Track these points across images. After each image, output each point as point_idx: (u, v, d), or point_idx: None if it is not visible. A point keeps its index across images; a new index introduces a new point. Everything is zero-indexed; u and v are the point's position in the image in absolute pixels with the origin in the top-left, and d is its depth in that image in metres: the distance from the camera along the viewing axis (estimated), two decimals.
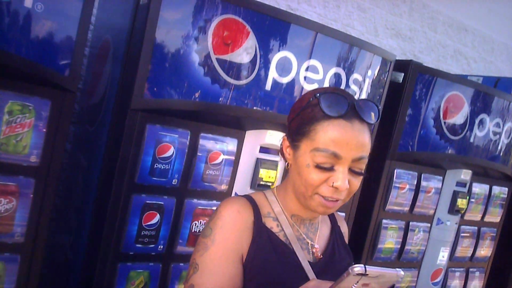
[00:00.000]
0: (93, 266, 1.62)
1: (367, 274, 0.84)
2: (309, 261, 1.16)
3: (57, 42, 1.39)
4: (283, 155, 1.21)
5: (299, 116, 1.13)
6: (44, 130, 1.44)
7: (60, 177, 1.52)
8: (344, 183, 1.06)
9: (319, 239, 1.24)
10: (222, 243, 1.10)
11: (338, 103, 1.08)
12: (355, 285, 0.86)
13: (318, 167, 1.07)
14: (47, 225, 1.51)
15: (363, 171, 1.12)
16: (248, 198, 1.19)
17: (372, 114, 1.11)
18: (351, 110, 1.08)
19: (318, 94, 1.10)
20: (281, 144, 1.22)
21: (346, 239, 1.36)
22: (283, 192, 1.22)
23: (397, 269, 0.89)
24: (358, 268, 0.83)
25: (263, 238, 1.13)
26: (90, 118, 1.93)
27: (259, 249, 1.12)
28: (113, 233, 1.60)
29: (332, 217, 1.35)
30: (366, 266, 0.84)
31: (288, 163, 1.19)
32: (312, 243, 1.21)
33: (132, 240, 1.63)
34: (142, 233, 1.65)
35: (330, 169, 1.07)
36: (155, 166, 1.62)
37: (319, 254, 1.21)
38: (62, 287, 1.88)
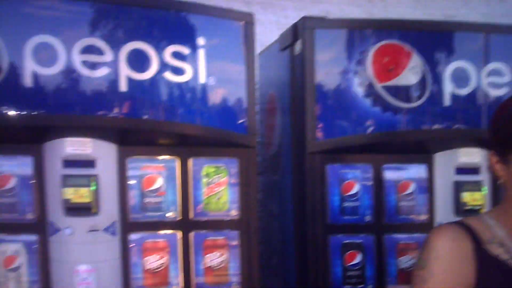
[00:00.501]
0: None
1: None
2: None
3: (231, 106, 1.62)
4: (493, 172, 1.05)
5: (507, 125, 1.00)
6: (237, 185, 1.63)
7: (258, 226, 1.66)
8: None
9: None
10: (441, 276, 0.99)
11: None
12: None
13: None
14: (259, 270, 1.64)
15: None
16: (462, 224, 1.05)
17: None
18: None
19: None
20: (489, 162, 1.07)
21: None
22: (503, 213, 1.05)
23: None
24: None
25: (489, 267, 0.99)
26: (272, 167, 2.09)
27: (486, 280, 0.98)
28: (319, 275, 1.62)
29: None
30: None
31: (503, 179, 1.02)
32: None
33: (339, 282, 1.63)
34: (348, 274, 1.63)
35: None
36: (344, 204, 1.64)
37: None
38: None
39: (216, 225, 1.63)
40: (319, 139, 1.62)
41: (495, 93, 1.69)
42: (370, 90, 1.63)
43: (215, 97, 1.59)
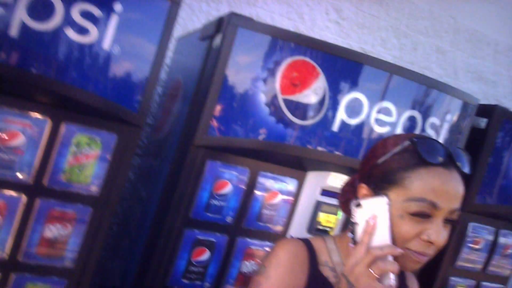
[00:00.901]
0: None
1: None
2: None
3: (131, 82, 1.42)
4: (345, 202, 1.12)
5: (386, 162, 1.02)
6: (108, 162, 1.46)
7: (116, 209, 1.53)
8: (440, 237, 0.95)
9: None
10: (276, 283, 1.03)
11: (437, 150, 0.99)
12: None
13: (413, 217, 0.96)
14: (98, 254, 1.51)
15: (454, 223, 1.01)
16: (306, 242, 1.11)
17: (469, 165, 1.02)
18: (448, 158, 0.99)
19: (415, 139, 1.00)
20: (344, 190, 1.13)
21: None
22: (345, 241, 1.12)
23: None
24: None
25: (317, 286, 1.05)
26: (155, 152, 1.95)
27: None
28: (162, 265, 1.57)
29: (400, 274, 1.21)
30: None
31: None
32: None
33: (179, 275, 1.59)
34: (190, 269, 1.60)
35: (425, 221, 0.96)
36: (211, 202, 1.58)
37: None
38: None
39: (69, 197, 1.43)
40: (209, 134, 1.51)
41: (379, 130, 1.75)
42: (272, 100, 1.55)
43: (117, 69, 1.39)
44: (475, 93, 2.05)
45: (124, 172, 1.49)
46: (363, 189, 1.05)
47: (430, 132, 1.90)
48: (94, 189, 1.46)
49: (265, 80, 1.54)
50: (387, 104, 1.74)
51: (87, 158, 1.43)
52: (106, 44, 1.37)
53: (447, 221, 0.98)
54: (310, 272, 1.06)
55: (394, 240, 0.98)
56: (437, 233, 0.95)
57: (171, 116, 1.85)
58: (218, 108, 1.50)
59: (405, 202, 0.96)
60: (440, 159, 0.97)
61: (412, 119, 1.82)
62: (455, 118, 1.97)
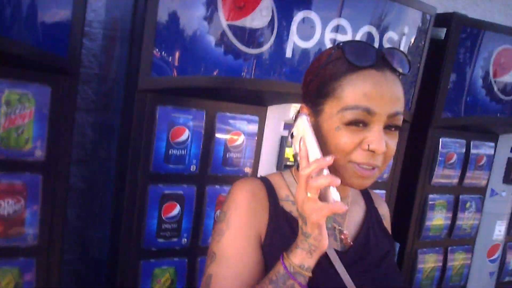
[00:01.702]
0: (116, 264, 1.50)
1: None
2: (336, 250, 0.99)
3: (54, 23, 1.25)
4: None
5: (319, 75, 0.95)
6: (47, 119, 1.31)
7: (69, 171, 1.39)
8: (381, 144, 0.88)
9: (350, 224, 1.06)
10: (238, 226, 0.97)
11: (366, 51, 0.91)
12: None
13: (349, 126, 0.90)
14: (61, 225, 1.39)
15: (399, 129, 0.94)
16: (263, 179, 1.04)
17: (405, 63, 0.94)
18: (381, 59, 0.91)
19: (342, 44, 0.92)
20: (296, 115, 1.04)
21: (386, 223, 1.16)
22: None
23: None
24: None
25: (280, 223, 0.99)
26: (105, 104, 1.80)
27: (276, 234, 0.98)
28: (132, 228, 1.47)
29: (367, 197, 1.15)
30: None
31: None
32: (340, 228, 1.03)
33: (153, 235, 1.50)
34: (163, 227, 1.51)
35: (363, 129, 0.90)
36: (170, 152, 1.47)
37: (349, 241, 1.02)
38: (94, 285, 1.78)
39: (13, 167, 1.29)
40: (152, 76, 1.37)
41: None
42: (216, 27, 1.42)
43: (35, 10, 1.21)
44: (433, 4, 1.96)
45: (68, 128, 1.34)
46: (304, 109, 0.99)
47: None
48: (39, 153, 1.32)
49: (205, 4, 1.39)
50: (340, 21, 1.64)
51: (22, 119, 1.28)
52: None
53: (390, 127, 0.92)
54: (271, 209, 0.99)
55: (337, 154, 0.92)
56: (377, 140, 0.88)
57: (113, 62, 1.70)
58: (161, 46, 1.36)
59: (339, 112, 0.90)
60: (370, 61, 0.90)
61: (369, 35, 1.73)
62: (413, 30, 1.89)
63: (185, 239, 1.56)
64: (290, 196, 1.03)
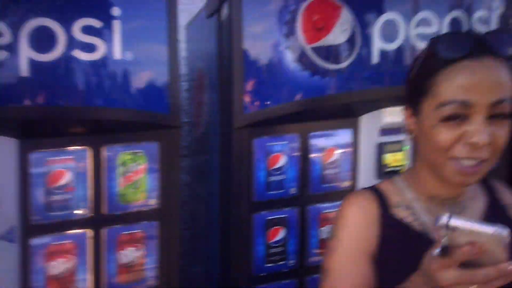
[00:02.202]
0: None
1: (454, 227, 0.66)
2: None
3: (154, 86, 1.35)
4: (407, 128, 1.00)
5: (416, 73, 0.94)
6: (157, 171, 1.41)
7: (179, 215, 1.48)
8: (482, 135, 0.83)
9: None
10: (347, 243, 0.98)
11: (460, 41, 0.86)
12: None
13: (448, 122, 0.86)
14: (178, 264, 1.48)
15: (508, 117, 0.87)
16: (373, 189, 1.03)
17: (509, 45, 0.86)
18: (479, 46, 0.85)
19: (433, 39, 0.89)
20: (405, 117, 1.01)
21: None
22: (414, 173, 1.02)
23: (498, 227, 0.66)
24: (443, 218, 0.67)
25: (393, 231, 0.97)
26: (200, 147, 1.88)
27: (389, 243, 0.97)
28: (241, 257, 1.51)
29: (488, 189, 1.08)
30: (453, 217, 0.67)
31: (414, 136, 0.98)
32: None
33: (261, 262, 1.53)
34: (270, 252, 1.54)
35: (462, 123, 0.85)
36: (269, 179, 1.49)
37: None
38: None
39: (133, 218, 1.40)
40: (246, 112, 1.40)
41: (423, 46, 1.56)
42: (299, 53, 1.41)
43: (137, 78, 1.32)
44: None
45: (176, 176, 1.44)
46: (406, 110, 0.97)
47: (481, 28, 1.69)
48: (153, 202, 1.42)
49: (286, 36, 1.38)
50: (423, 14, 1.54)
51: (136, 174, 1.39)
52: (117, 54, 1.29)
53: (496, 117, 0.85)
54: (382, 219, 0.98)
55: (436, 152, 0.89)
56: (478, 133, 0.83)
57: (204, 107, 1.75)
58: (250, 83, 1.38)
59: (436, 109, 0.87)
60: (463, 51, 0.84)
61: (456, 22, 1.61)
62: (503, 1, 1.73)
63: (293, 261, 1.58)
64: (402, 201, 1.01)
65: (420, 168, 1.00)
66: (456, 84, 0.85)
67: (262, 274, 1.55)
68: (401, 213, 0.99)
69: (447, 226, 0.66)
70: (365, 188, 1.06)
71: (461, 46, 0.85)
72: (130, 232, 1.41)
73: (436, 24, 1.58)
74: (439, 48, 0.86)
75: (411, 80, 0.96)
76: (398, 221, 0.98)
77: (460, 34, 0.90)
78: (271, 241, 1.53)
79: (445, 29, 1.59)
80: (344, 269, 0.97)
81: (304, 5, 1.39)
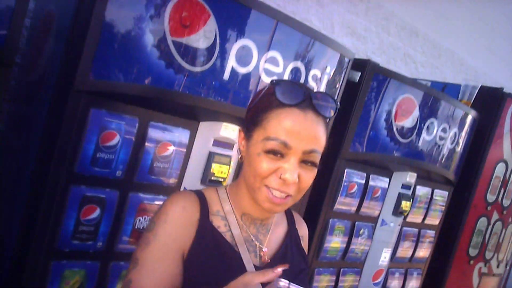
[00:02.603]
0: (23, 264, 1.44)
1: None
2: (255, 265, 1.10)
3: None
4: (238, 148, 1.16)
5: (255, 105, 1.10)
6: None
7: None
8: (293, 175, 1.01)
9: (270, 242, 1.18)
10: (163, 239, 1.04)
11: (293, 91, 1.04)
12: None
13: (268, 154, 1.02)
14: None
15: (316, 165, 1.06)
16: (198, 193, 1.13)
17: (330, 108, 1.07)
18: (307, 100, 1.04)
19: (274, 82, 1.06)
20: (238, 138, 1.15)
21: (304, 244, 1.29)
22: (235, 189, 1.16)
23: None
24: (282, 283, 0.85)
25: (207, 237, 1.07)
26: (27, 96, 1.74)
27: (201, 248, 1.06)
28: (47, 227, 1.43)
29: (290, 219, 1.28)
30: (291, 284, 0.85)
31: (241, 156, 1.13)
32: (260, 245, 1.14)
33: (68, 236, 1.47)
34: (80, 229, 1.49)
35: (280, 159, 1.02)
36: (97, 155, 1.47)
37: (267, 258, 1.14)
38: None
39: None
40: (90, 78, 1.38)
41: (267, 80, 1.78)
42: (160, 42, 1.47)
43: None
44: (349, 47, 2.19)
45: None
46: (241, 133, 1.12)
47: (313, 84, 2.00)
48: None
49: (152, 18, 1.44)
50: (274, 53, 1.78)
51: None
52: None
53: (306, 162, 1.04)
54: (200, 223, 1.07)
55: (255, 177, 1.04)
56: (290, 171, 1.01)
57: (44, 54, 1.65)
58: (103, 49, 1.37)
59: (262, 141, 1.03)
60: (295, 100, 1.02)
61: (296, 71, 1.89)
62: (333, 71, 2.09)
63: (101, 243, 1.55)
64: (220, 211, 1.12)
65: (240, 186, 1.13)
66: (282, 126, 1.01)
67: (66, 250, 1.48)
68: (217, 222, 1.10)
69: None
70: (191, 190, 1.14)
71: (294, 95, 1.03)
72: None
73: (282, 66, 1.83)
74: (276, 91, 1.03)
75: (250, 110, 1.11)
76: (213, 228, 1.08)
77: (296, 84, 1.08)
78: (84, 218, 1.49)
79: (287, 73, 1.85)
80: (155, 263, 1.01)
81: None
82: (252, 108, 1.10)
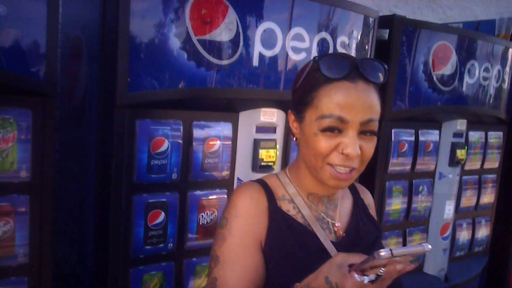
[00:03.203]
0: (104, 276, 1.54)
1: (394, 257, 0.80)
2: (332, 241, 1.10)
3: (26, 49, 1.29)
4: (291, 131, 1.14)
5: (301, 85, 1.08)
6: (29, 141, 1.35)
7: (54, 188, 1.43)
8: (354, 148, 0.99)
9: (341, 216, 1.17)
10: (238, 232, 1.04)
11: (339, 64, 1.01)
12: (382, 269, 0.82)
13: (325, 133, 1.01)
14: (51, 241, 1.42)
15: (375, 134, 1.04)
16: (261, 182, 1.13)
17: (379, 73, 1.03)
18: (354, 70, 1.01)
19: (316, 58, 1.03)
20: (288, 120, 1.15)
21: (372, 211, 1.28)
22: (295, 171, 1.16)
23: (423, 244, 0.83)
24: (384, 253, 0.79)
25: (279, 222, 1.07)
26: (74, 122, 1.83)
27: (276, 234, 1.06)
28: (119, 238, 1.52)
29: (353, 190, 1.28)
30: (392, 249, 0.80)
31: (296, 138, 1.12)
32: (332, 221, 1.14)
33: (140, 243, 1.56)
34: (150, 234, 1.57)
35: (339, 135, 1.00)
36: (152, 162, 1.54)
37: (341, 233, 1.14)
38: None
39: (1, 189, 1.32)
40: (130, 92, 1.44)
41: (295, 57, 1.79)
42: (186, 43, 1.51)
43: (7, 35, 1.24)
44: (371, 6, 2.15)
45: (50, 149, 1.39)
46: (291, 115, 1.11)
47: (342, 51, 1.98)
48: (24, 174, 1.35)
49: (173, 22, 1.47)
50: (297, 30, 1.78)
51: (6, 142, 1.31)
52: None
53: (365, 132, 1.01)
54: (270, 210, 1.08)
55: (316, 157, 1.03)
56: (351, 145, 0.98)
57: (80, 79, 1.73)
58: (134, 62, 1.43)
59: (317, 120, 1.01)
60: (342, 73, 1.00)
61: (323, 42, 1.88)
62: (360, 33, 2.06)
63: (171, 244, 1.63)
64: (286, 195, 1.12)
65: (301, 167, 1.13)
66: (334, 101, 0.99)
67: (140, 256, 1.57)
68: (285, 206, 1.10)
69: (392, 257, 0.79)
70: (253, 180, 1.14)
71: (340, 68, 1.00)
72: None
73: (308, 41, 1.82)
74: (321, 67, 1.00)
75: (296, 91, 1.09)
76: (283, 213, 1.08)
77: (340, 57, 1.03)
78: (151, 224, 1.57)
79: (314, 47, 1.85)
80: (235, 257, 1.02)
81: None
82: (298, 88, 1.08)
